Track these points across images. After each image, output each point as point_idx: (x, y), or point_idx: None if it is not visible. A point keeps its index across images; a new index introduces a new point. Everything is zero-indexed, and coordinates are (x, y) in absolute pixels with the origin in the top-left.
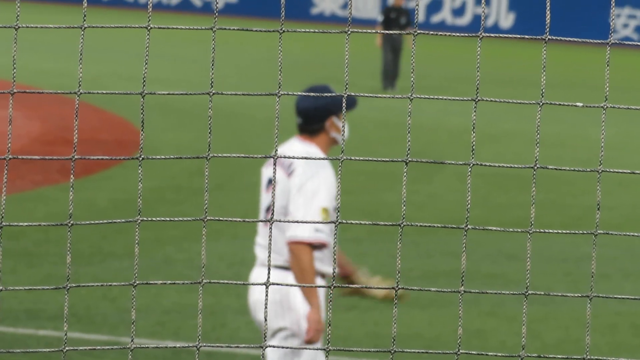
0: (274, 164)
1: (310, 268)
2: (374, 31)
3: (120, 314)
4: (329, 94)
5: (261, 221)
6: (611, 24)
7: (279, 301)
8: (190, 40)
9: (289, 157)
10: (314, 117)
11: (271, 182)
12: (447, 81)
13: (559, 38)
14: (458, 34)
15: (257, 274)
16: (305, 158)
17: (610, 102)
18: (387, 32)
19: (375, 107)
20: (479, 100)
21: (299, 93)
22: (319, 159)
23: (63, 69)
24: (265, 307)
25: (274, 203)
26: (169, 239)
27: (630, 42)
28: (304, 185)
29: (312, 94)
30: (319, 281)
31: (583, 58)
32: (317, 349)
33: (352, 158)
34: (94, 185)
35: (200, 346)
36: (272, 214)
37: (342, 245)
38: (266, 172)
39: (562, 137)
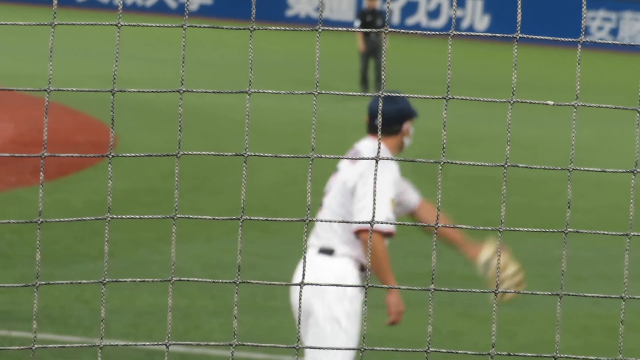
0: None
1: (385, 255)
2: (344, 29)
3: (94, 316)
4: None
5: (232, 219)
6: (582, 23)
7: (315, 282)
8: (165, 41)
9: (257, 155)
10: (392, 119)
11: (336, 170)
12: (421, 83)
13: (530, 36)
14: (429, 33)
15: (313, 260)
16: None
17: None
18: (356, 29)
19: (351, 108)
20: (449, 98)
21: (271, 91)
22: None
23: (37, 71)
24: (235, 307)
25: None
26: (144, 240)
27: (600, 41)
28: (368, 174)
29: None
30: (360, 272)
31: (557, 60)
32: (292, 347)
33: (323, 156)
34: (68, 187)
35: (170, 344)
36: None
37: None
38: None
39: (536, 139)
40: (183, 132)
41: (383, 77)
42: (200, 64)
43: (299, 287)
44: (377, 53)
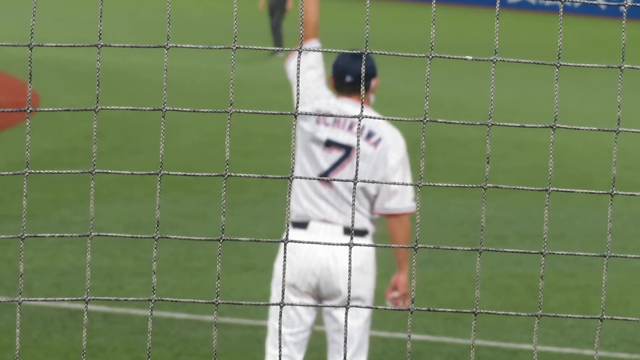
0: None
1: (410, 235)
2: None
3: (17, 275)
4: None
5: (151, 174)
6: None
7: (360, 267)
8: (88, 3)
9: (175, 110)
10: (369, 76)
11: (331, 143)
12: (347, 43)
13: None
14: None
15: (338, 239)
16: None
17: (505, 63)
18: None
19: (272, 69)
20: (367, 53)
21: (189, 46)
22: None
23: None
24: (154, 262)
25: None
26: (66, 201)
27: None
28: (403, 154)
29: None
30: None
31: (480, 22)
32: (211, 302)
33: (241, 111)
34: None
35: (89, 299)
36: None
37: (240, 206)
38: (327, 130)
39: (460, 100)
40: (106, 93)
41: (301, 29)
42: (122, 25)
43: (344, 273)
44: (276, 12)
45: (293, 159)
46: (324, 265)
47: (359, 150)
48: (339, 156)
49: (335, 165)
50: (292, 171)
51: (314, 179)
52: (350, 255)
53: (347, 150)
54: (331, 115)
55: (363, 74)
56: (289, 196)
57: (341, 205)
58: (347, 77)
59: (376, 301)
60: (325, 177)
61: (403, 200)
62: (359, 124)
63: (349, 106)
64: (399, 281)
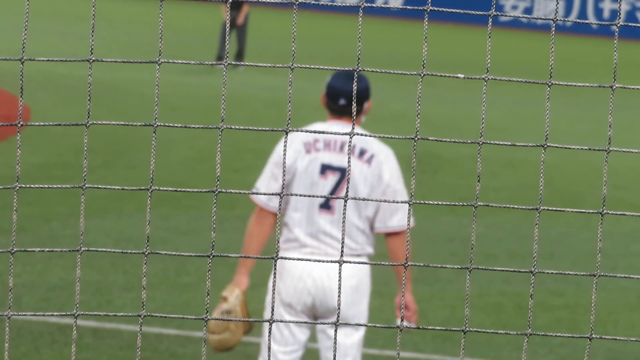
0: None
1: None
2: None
3: (6, 290)
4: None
5: (141, 189)
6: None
7: (355, 287)
8: (80, 17)
9: (167, 125)
10: (359, 98)
11: (328, 168)
12: (340, 60)
13: (440, 9)
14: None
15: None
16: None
17: (496, 81)
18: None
19: (264, 86)
20: (360, 70)
21: (181, 61)
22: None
23: None
24: (144, 278)
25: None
26: (55, 215)
27: (508, 15)
28: (395, 170)
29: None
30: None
31: (472, 39)
32: (200, 318)
33: (232, 127)
34: None
35: (78, 314)
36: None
37: (230, 222)
38: (320, 156)
39: (451, 118)
40: (96, 107)
41: (294, 48)
42: (113, 39)
43: (337, 292)
44: (235, 26)
45: (283, 186)
46: (319, 284)
47: (349, 170)
48: (335, 180)
49: (333, 191)
50: (282, 189)
51: (307, 196)
52: (340, 273)
53: (343, 172)
54: (325, 133)
55: (354, 94)
56: (279, 212)
57: (354, 231)
58: (341, 100)
59: (370, 318)
60: (326, 206)
61: (405, 216)
62: (350, 142)
63: (337, 127)
64: (409, 300)
